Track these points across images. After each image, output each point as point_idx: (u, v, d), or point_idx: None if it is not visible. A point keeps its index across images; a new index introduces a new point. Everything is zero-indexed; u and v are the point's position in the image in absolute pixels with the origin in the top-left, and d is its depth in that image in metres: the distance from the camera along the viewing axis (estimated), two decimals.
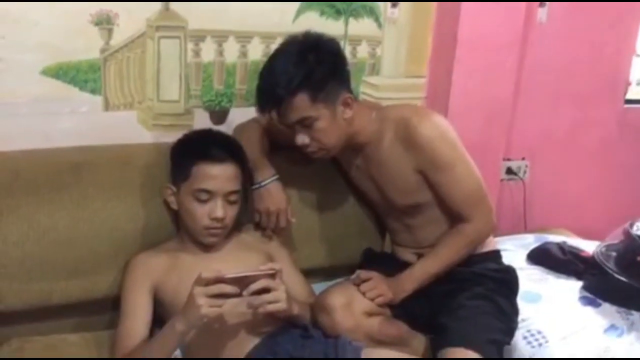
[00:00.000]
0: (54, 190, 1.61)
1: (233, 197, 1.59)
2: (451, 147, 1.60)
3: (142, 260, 1.62)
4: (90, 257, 1.63)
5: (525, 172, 2.54)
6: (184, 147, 1.62)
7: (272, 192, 1.70)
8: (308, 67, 1.51)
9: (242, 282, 1.42)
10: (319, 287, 1.78)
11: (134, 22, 1.77)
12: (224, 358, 1.53)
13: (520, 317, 1.77)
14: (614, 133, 2.66)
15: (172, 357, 1.52)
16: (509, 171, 2.52)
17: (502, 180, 2.49)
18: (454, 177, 1.60)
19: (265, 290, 1.44)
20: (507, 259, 1.99)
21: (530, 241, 2.20)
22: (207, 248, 1.63)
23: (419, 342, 1.67)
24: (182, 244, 1.65)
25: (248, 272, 1.44)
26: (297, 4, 1.93)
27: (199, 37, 1.85)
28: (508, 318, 1.64)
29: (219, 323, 1.50)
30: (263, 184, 1.70)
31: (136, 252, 1.64)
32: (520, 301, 1.80)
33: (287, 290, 1.50)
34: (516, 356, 1.72)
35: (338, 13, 2.01)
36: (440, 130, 1.60)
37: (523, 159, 2.53)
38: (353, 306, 1.59)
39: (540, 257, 2.07)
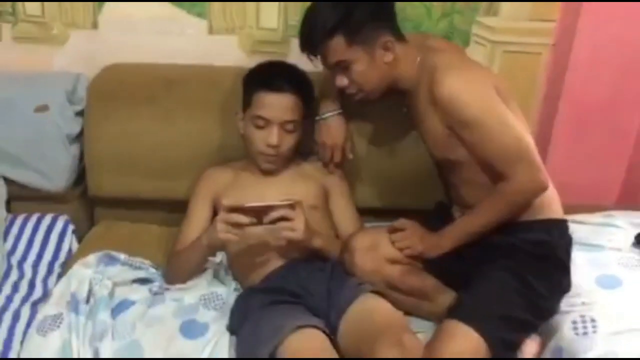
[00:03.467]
0: (148, 101, 1.86)
1: (289, 126, 1.67)
2: (479, 102, 1.46)
3: (210, 174, 1.80)
4: (173, 163, 1.86)
5: None
6: (251, 76, 1.72)
7: (331, 126, 1.74)
8: (346, 9, 1.49)
9: (263, 212, 1.52)
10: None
11: None
12: None
13: (581, 300, 1.62)
14: None
15: (217, 261, 1.74)
16: None
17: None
18: (484, 134, 1.47)
19: (285, 220, 1.54)
20: (608, 235, 1.82)
21: None
22: (266, 172, 1.75)
23: (445, 298, 1.61)
24: (248, 165, 1.78)
25: (267, 202, 1.54)
26: None
27: None
28: (538, 297, 1.51)
29: (250, 243, 1.63)
30: (324, 116, 1.74)
31: (210, 164, 1.82)
32: (595, 284, 1.65)
33: (309, 223, 1.58)
34: (557, 340, 1.59)
35: None
36: (467, 85, 1.47)
37: None
38: (376, 250, 1.60)
39: None
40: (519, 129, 1.48)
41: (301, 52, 1.59)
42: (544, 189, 1.51)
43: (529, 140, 1.50)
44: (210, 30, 1.98)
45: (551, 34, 1.98)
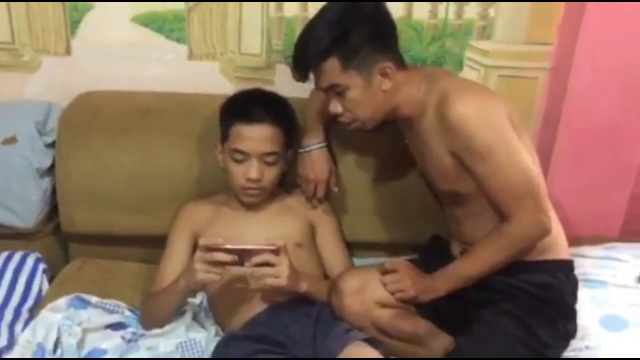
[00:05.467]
0: (123, 131, 1.76)
1: (270, 159, 1.58)
2: (491, 130, 1.36)
3: (190, 209, 1.71)
4: (149, 197, 1.76)
5: None
6: (227, 107, 1.63)
7: (315, 160, 1.64)
8: (342, 29, 1.38)
9: (245, 253, 1.43)
10: (374, 262, 1.72)
11: None
12: None
13: (585, 343, 1.53)
14: None
15: (197, 303, 1.63)
16: None
17: None
18: (492, 166, 1.36)
19: (268, 264, 1.44)
20: (610, 270, 1.73)
21: None
22: (249, 207, 1.66)
23: (440, 343, 1.52)
24: (228, 199, 1.69)
25: (249, 245, 1.44)
26: None
27: None
28: (541, 345, 1.41)
29: (231, 282, 1.53)
30: (307, 149, 1.65)
31: (188, 199, 1.73)
32: (599, 325, 1.56)
33: (294, 266, 1.48)
34: None
35: None
36: (480, 109, 1.36)
37: None
38: (366, 293, 1.50)
39: None
40: (529, 163, 1.38)
41: (293, 74, 1.49)
42: (547, 233, 1.41)
43: (539, 179, 1.40)
44: (190, 56, 1.89)
45: (548, 57, 1.89)
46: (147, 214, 1.77)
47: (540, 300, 1.44)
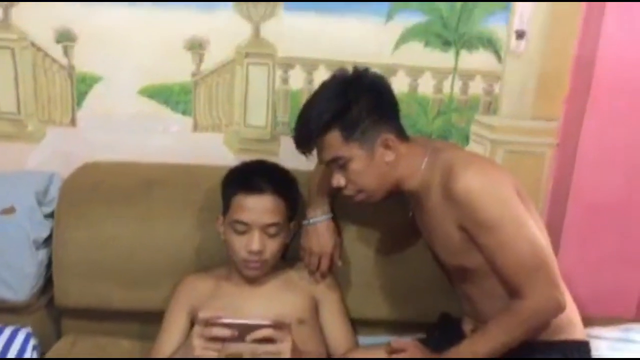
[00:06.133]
0: (125, 203, 1.72)
1: (272, 230, 1.54)
2: (498, 203, 1.32)
3: (189, 283, 1.65)
4: (149, 271, 1.70)
5: None
6: (228, 178, 1.61)
7: (320, 233, 1.60)
8: (343, 103, 1.38)
9: (245, 328, 1.36)
10: (380, 340, 1.63)
11: (224, 49, 1.81)
12: None
13: None
14: None
15: None
16: None
17: None
18: (500, 241, 1.32)
19: (270, 341, 1.37)
20: (629, 354, 1.66)
21: None
22: (250, 281, 1.60)
23: None
24: (229, 273, 1.63)
25: (250, 320, 1.37)
26: (398, 33, 1.79)
27: (288, 65, 1.83)
28: None
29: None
30: (312, 221, 1.61)
31: (188, 272, 1.67)
32: None
33: (296, 344, 1.40)
34: None
35: (446, 44, 1.81)
36: (486, 182, 1.34)
37: None
38: None
39: None
40: (537, 236, 1.34)
41: (296, 147, 1.47)
42: (562, 308, 1.35)
43: (548, 252, 1.36)
44: (195, 128, 1.88)
45: (555, 133, 1.88)
46: (145, 288, 1.71)
47: None
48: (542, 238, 1.36)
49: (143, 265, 1.70)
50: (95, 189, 1.74)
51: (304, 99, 1.81)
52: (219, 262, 1.68)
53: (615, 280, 1.91)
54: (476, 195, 1.32)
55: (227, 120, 1.88)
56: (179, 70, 1.82)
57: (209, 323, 1.36)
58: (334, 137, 1.40)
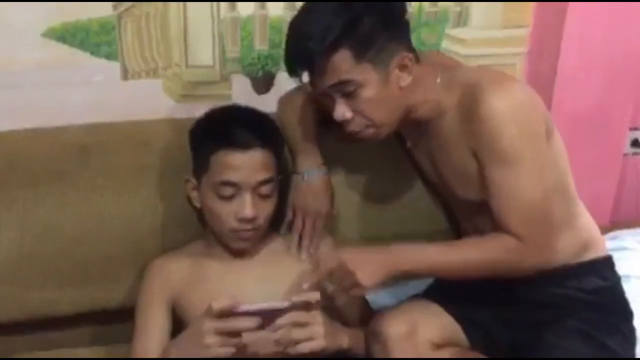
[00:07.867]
0: (56, 179, 1.36)
1: (265, 189, 1.26)
2: (523, 137, 1.15)
3: (160, 267, 1.35)
4: (101, 261, 1.38)
5: None
6: (202, 131, 1.30)
7: (316, 190, 1.36)
8: (352, 15, 1.13)
9: (266, 314, 1.12)
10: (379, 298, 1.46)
11: None
12: None
13: None
14: None
15: None
16: (636, 143, 2.02)
17: (625, 154, 1.99)
18: (511, 176, 1.16)
19: (298, 324, 1.14)
20: (625, 261, 1.59)
21: None
22: (238, 253, 1.33)
23: None
24: (209, 248, 1.35)
25: (273, 303, 1.13)
26: None
27: None
28: (614, 356, 1.26)
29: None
30: (307, 178, 1.35)
31: (155, 255, 1.37)
32: None
33: (328, 321, 1.19)
34: None
35: None
36: (517, 108, 1.16)
37: None
38: (417, 336, 1.23)
39: None
40: (551, 190, 1.19)
41: (289, 73, 1.20)
42: (549, 261, 1.21)
43: (564, 181, 1.29)
44: (125, 75, 1.53)
45: (524, 41, 1.76)
46: (102, 282, 1.38)
47: (599, 308, 1.29)
48: (552, 189, 1.20)
49: (93, 255, 1.37)
50: (11, 168, 1.35)
51: (257, 27, 1.57)
52: (190, 237, 1.39)
53: (591, 190, 1.87)
54: (501, 119, 1.14)
55: (165, 62, 1.55)
56: (95, 2, 1.44)
57: (223, 314, 1.10)
58: (342, 58, 1.14)
